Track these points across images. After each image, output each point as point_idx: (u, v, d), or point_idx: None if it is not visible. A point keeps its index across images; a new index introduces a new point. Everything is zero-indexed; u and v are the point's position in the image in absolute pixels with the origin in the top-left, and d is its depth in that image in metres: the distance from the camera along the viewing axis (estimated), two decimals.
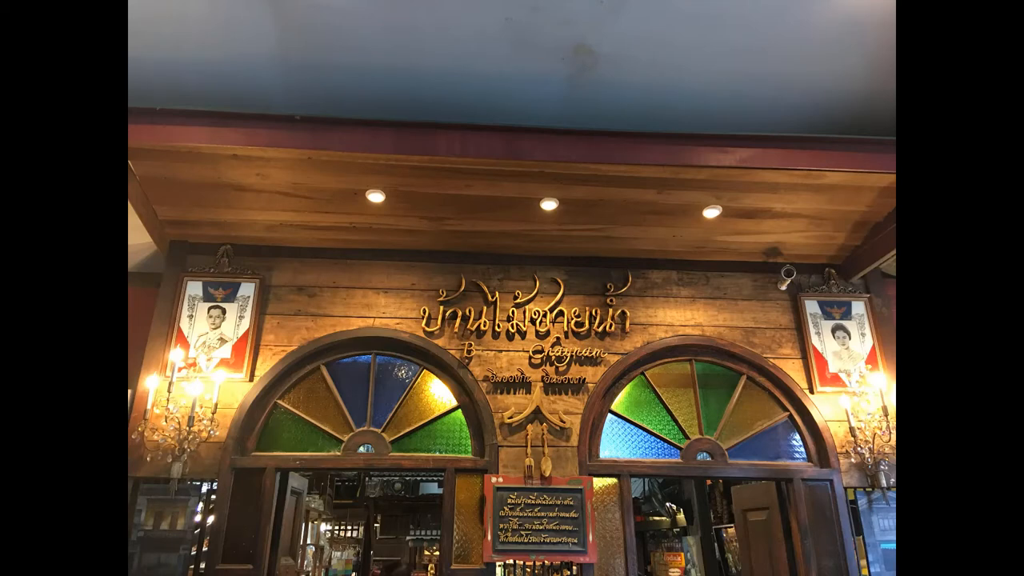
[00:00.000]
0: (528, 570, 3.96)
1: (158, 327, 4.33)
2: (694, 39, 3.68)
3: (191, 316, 4.38)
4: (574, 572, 3.96)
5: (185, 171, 3.96)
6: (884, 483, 4.15)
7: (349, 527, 10.13)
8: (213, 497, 3.96)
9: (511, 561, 3.96)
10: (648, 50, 3.76)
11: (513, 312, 4.58)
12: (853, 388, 4.50)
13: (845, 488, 4.26)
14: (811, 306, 4.77)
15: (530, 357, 4.48)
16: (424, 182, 4.05)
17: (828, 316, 4.75)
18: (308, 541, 8.79)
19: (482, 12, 3.51)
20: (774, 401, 4.59)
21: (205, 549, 3.86)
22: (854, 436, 4.30)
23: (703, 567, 7.55)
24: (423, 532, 10.03)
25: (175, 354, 4.09)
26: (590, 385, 4.45)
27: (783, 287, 4.78)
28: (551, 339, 4.55)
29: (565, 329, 4.58)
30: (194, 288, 4.47)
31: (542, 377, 4.43)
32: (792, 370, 4.60)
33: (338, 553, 10.02)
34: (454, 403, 4.45)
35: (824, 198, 4.23)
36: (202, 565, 3.82)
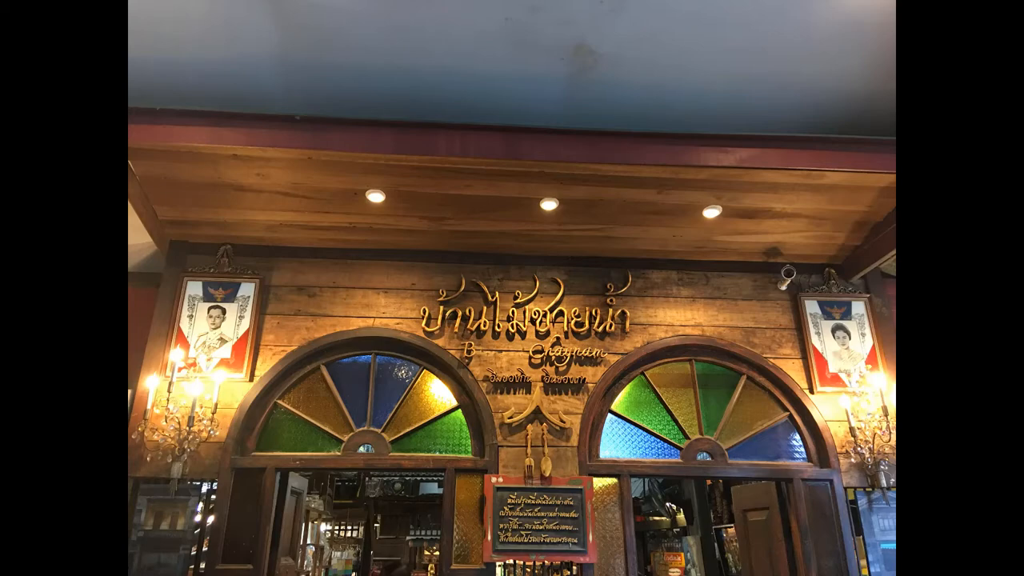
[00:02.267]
0: (528, 570, 3.96)
1: (158, 327, 4.33)
2: (694, 39, 3.68)
3: (191, 316, 4.38)
4: (574, 572, 3.96)
5: (185, 171, 3.96)
6: (884, 483, 4.15)
7: (349, 527, 10.13)
8: (213, 497, 3.96)
9: (511, 561, 3.96)
10: (648, 50, 3.76)
11: (513, 312, 4.58)
12: (853, 388, 4.50)
13: (845, 488, 4.26)
14: (811, 306, 4.77)
15: (530, 357, 4.48)
16: (424, 182, 4.05)
17: (828, 316, 4.75)
18: (308, 541, 8.79)
19: (482, 12, 3.51)
20: (774, 401, 4.59)
21: (205, 549, 3.86)
22: (854, 436, 4.30)
23: (703, 567, 7.55)
24: (423, 532, 10.02)
25: (175, 354, 4.09)
26: (590, 385, 4.45)
27: (783, 287, 4.78)
28: (551, 339, 4.55)
29: (565, 329, 4.58)
30: (194, 288, 4.47)
31: (542, 377, 4.43)
32: (792, 370, 4.60)
33: (338, 553, 10.01)
34: (454, 403, 4.45)
35: (824, 198, 4.23)
36: (202, 565, 3.82)
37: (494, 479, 4.11)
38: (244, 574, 3.82)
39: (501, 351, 4.50)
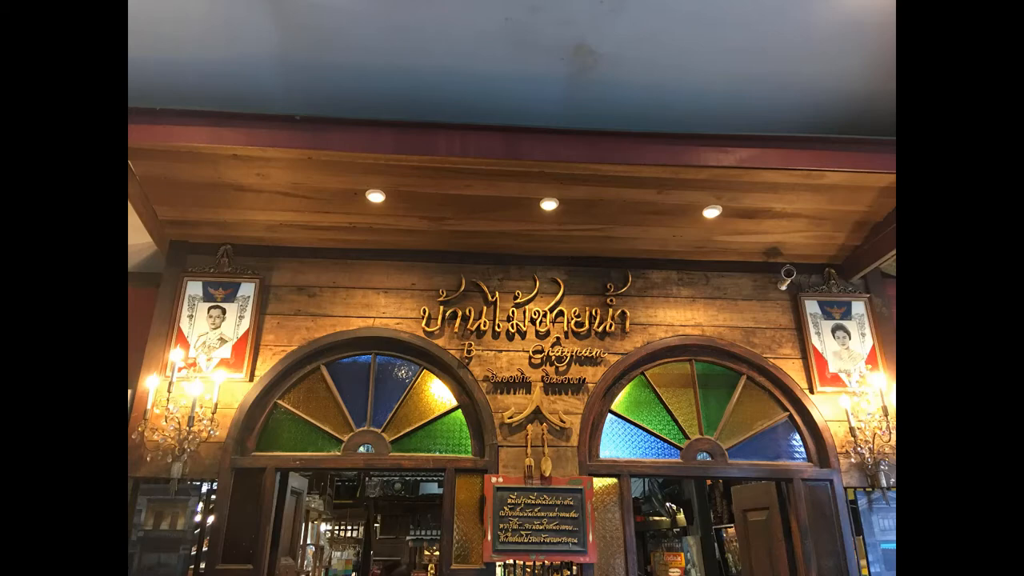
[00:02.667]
0: (528, 570, 3.96)
1: (158, 327, 4.33)
2: (694, 39, 3.68)
3: (191, 316, 4.38)
4: (574, 572, 3.96)
5: (185, 171, 3.96)
6: (884, 483, 4.15)
7: (349, 527, 10.13)
8: (213, 497, 3.96)
9: (511, 561, 3.96)
10: (648, 50, 3.76)
11: (513, 312, 4.58)
12: (853, 388, 4.50)
13: (845, 488, 4.26)
14: (811, 306, 4.77)
15: (530, 357, 4.48)
16: (424, 182, 4.05)
17: (828, 316, 4.75)
18: (308, 541, 8.79)
19: (482, 12, 3.51)
20: (774, 401, 4.59)
21: (205, 549, 3.86)
22: (854, 436, 4.30)
23: (703, 567, 7.55)
24: (423, 532, 10.02)
25: (175, 354, 4.09)
26: (590, 385, 4.45)
27: (783, 287, 4.79)
28: (551, 339, 4.55)
29: (565, 329, 4.58)
30: (194, 288, 4.47)
31: (542, 377, 4.43)
32: (792, 370, 4.59)
33: (338, 553, 10.01)
34: (454, 403, 4.45)
35: (824, 198, 4.23)
36: (202, 565, 3.82)
37: (494, 479, 4.11)
38: (244, 574, 3.82)
39: (501, 351, 4.50)
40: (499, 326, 4.54)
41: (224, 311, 4.41)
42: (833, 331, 4.70)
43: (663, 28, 3.61)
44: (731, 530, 7.22)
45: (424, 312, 4.51)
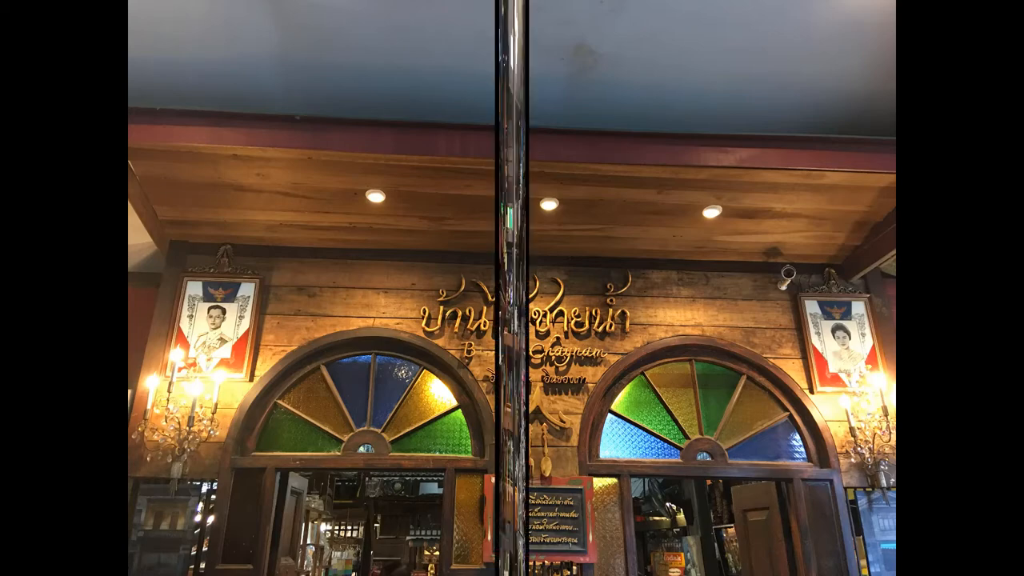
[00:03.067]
0: (528, 570, 3.96)
1: (158, 327, 4.33)
2: (694, 39, 3.68)
3: (191, 316, 4.38)
4: (574, 572, 3.97)
5: (185, 171, 3.96)
6: (884, 483, 4.15)
7: (349, 527, 10.12)
8: (213, 497, 3.96)
9: None
10: (648, 50, 3.76)
11: None
12: (853, 388, 4.50)
13: (845, 488, 4.26)
14: (811, 306, 4.77)
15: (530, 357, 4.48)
16: (424, 182, 4.06)
17: (828, 316, 4.75)
18: (308, 541, 8.79)
19: (482, 12, 3.50)
20: (774, 401, 4.59)
21: (205, 549, 3.86)
22: (854, 436, 4.30)
23: (703, 567, 7.55)
24: (423, 532, 10.02)
25: (175, 354, 4.09)
26: (590, 385, 4.45)
27: (783, 287, 4.79)
28: (551, 339, 4.55)
29: (565, 329, 4.58)
30: (194, 288, 4.47)
31: (542, 377, 4.43)
32: (792, 370, 4.60)
33: (338, 553, 10.01)
34: (454, 403, 4.45)
35: (824, 198, 4.23)
36: (202, 565, 3.82)
37: (494, 479, 4.10)
38: (244, 574, 3.82)
39: None
40: None
41: (224, 311, 4.41)
42: (833, 331, 4.70)
43: (663, 28, 3.61)
44: (731, 530, 7.22)
45: (424, 312, 4.51)
